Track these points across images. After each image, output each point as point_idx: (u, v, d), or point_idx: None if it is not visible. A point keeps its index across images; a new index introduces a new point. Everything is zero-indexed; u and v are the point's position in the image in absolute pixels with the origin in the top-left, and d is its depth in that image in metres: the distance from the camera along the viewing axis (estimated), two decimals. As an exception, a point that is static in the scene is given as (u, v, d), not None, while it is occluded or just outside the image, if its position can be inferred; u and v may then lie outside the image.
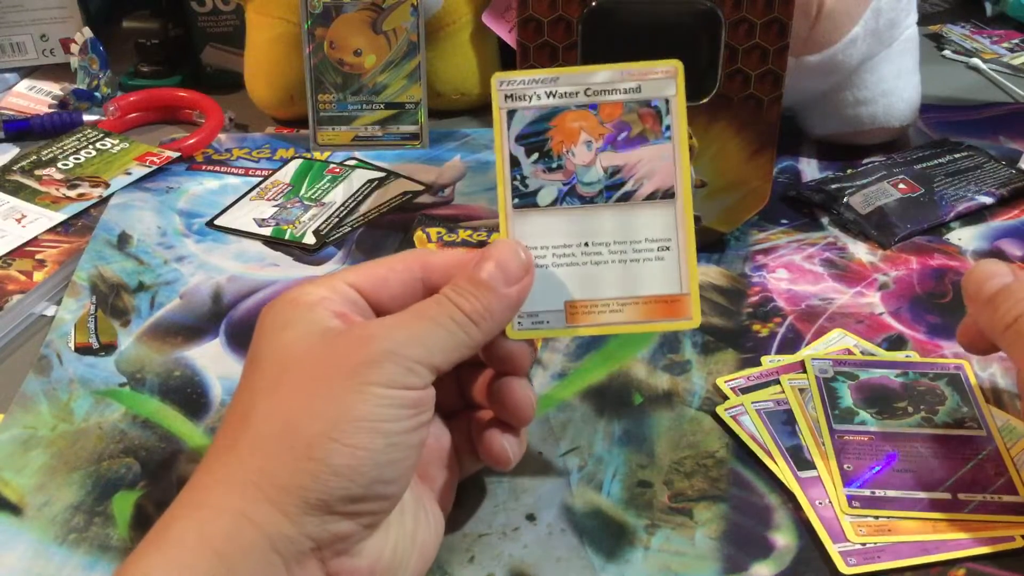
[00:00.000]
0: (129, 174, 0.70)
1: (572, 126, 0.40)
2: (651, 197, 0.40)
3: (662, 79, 0.41)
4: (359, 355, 0.35)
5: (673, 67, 0.41)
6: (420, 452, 0.37)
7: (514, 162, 0.40)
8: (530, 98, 0.40)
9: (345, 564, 0.35)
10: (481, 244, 0.59)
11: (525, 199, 0.40)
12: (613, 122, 0.40)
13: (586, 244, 0.40)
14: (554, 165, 0.40)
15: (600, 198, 0.40)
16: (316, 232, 0.63)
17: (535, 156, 0.40)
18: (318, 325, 0.37)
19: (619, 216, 0.40)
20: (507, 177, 0.40)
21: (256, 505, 0.33)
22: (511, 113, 0.40)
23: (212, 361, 0.52)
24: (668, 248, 0.40)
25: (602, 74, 0.40)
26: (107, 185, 0.69)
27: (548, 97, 0.40)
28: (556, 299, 0.40)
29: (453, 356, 0.37)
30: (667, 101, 0.41)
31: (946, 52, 0.88)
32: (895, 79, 0.68)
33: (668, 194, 0.40)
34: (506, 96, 0.40)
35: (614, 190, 0.40)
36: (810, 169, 0.69)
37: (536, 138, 0.40)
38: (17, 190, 0.69)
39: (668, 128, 0.41)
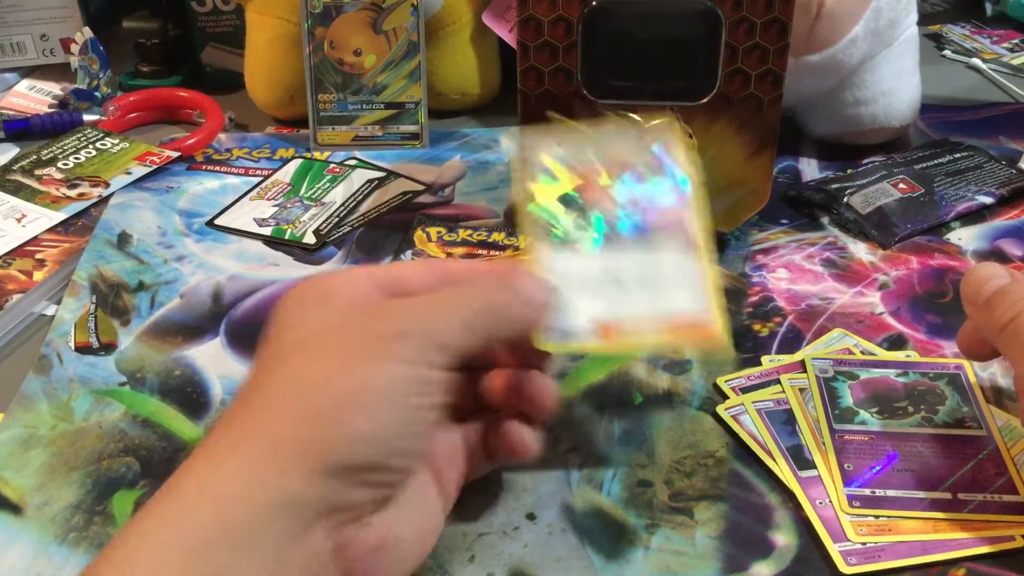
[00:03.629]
0: (129, 174, 0.70)
1: (588, 173, 0.43)
2: (669, 236, 0.42)
3: (660, 130, 0.45)
4: (384, 328, 0.36)
5: (666, 122, 0.46)
6: (432, 433, 0.37)
7: (538, 204, 0.43)
8: (547, 149, 0.44)
9: (354, 535, 0.35)
10: (481, 244, 0.59)
11: (552, 235, 0.42)
12: (625, 170, 0.43)
13: (613, 275, 0.41)
14: (576, 207, 0.43)
15: (622, 236, 0.42)
16: (316, 232, 0.63)
17: (558, 199, 0.43)
18: (340, 303, 0.37)
19: (642, 252, 0.42)
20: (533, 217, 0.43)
21: (272, 468, 0.33)
22: (532, 163, 0.43)
23: (212, 361, 0.52)
24: (691, 280, 0.42)
25: (607, 130, 0.45)
26: (107, 185, 0.69)
27: (562, 148, 0.44)
28: (587, 318, 0.40)
29: (472, 344, 0.37)
30: (668, 148, 0.44)
31: (946, 52, 0.88)
32: (895, 79, 0.68)
33: (684, 232, 0.43)
34: (526, 148, 0.44)
35: (634, 230, 0.42)
36: (810, 169, 0.69)
37: (556, 183, 0.43)
38: (17, 190, 0.69)
39: (674, 172, 0.44)
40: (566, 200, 0.43)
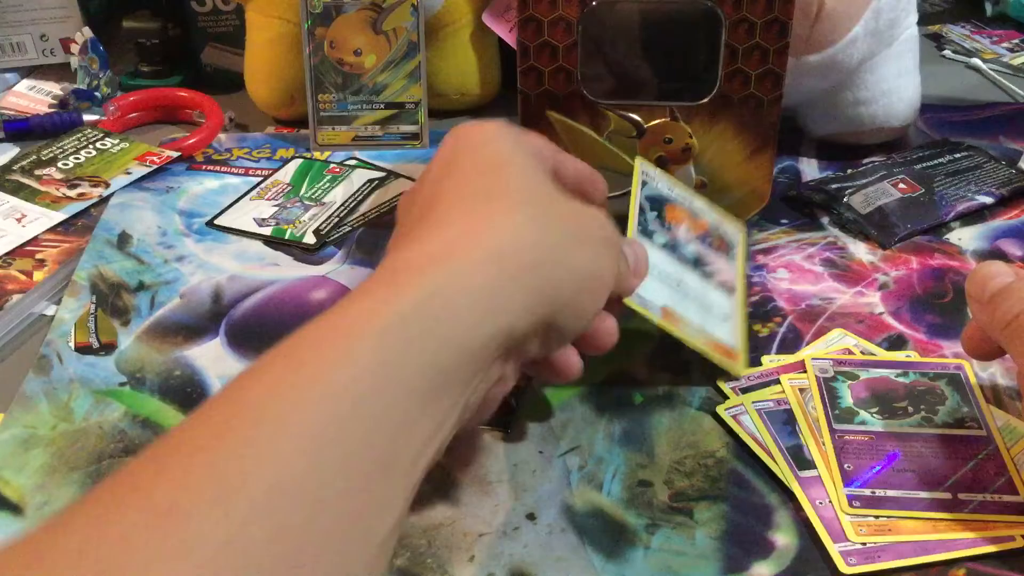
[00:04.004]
0: (129, 174, 0.70)
1: (680, 214, 0.53)
2: (719, 284, 0.52)
3: (733, 227, 0.56)
4: (600, 232, 0.41)
5: (740, 225, 0.56)
6: None
7: (641, 208, 0.51)
8: (658, 183, 0.53)
9: (507, 376, 0.39)
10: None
11: (643, 234, 0.50)
12: (703, 231, 0.53)
13: (678, 284, 0.50)
14: (664, 226, 0.52)
15: (689, 265, 0.51)
16: (316, 232, 0.63)
17: (655, 214, 0.52)
18: (535, 171, 0.41)
19: (700, 283, 0.51)
20: (636, 213, 0.51)
21: (501, 305, 0.35)
22: (644, 183, 0.52)
23: (212, 361, 0.52)
24: (729, 319, 0.51)
25: (699, 202, 0.55)
26: (107, 185, 0.69)
27: (669, 191, 0.54)
28: (659, 299, 0.48)
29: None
30: (734, 240, 0.55)
31: (946, 52, 0.88)
32: (895, 79, 0.68)
33: (730, 288, 0.52)
34: (644, 173, 0.53)
35: (699, 267, 0.52)
36: (810, 169, 0.69)
37: (656, 204, 0.52)
38: (17, 190, 0.69)
39: (733, 254, 0.54)
40: (655, 199, 0.52)
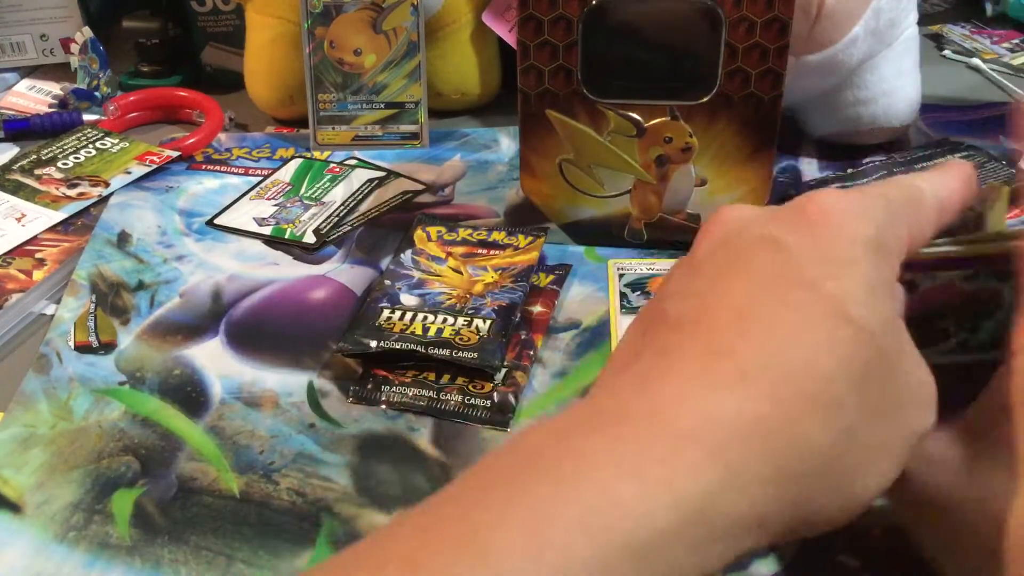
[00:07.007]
0: (129, 173, 0.70)
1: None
2: None
3: None
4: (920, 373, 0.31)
5: None
6: None
7: (623, 295, 0.56)
8: (635, 269, 0.58)
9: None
10: (481, 243, 0.59)
11: (630, 310, 0.54)
12: None
13: None
14: (651, 296, 0.52)
15: None
16: (316, 231, 0.63)
17: (637, 292, 0.56)
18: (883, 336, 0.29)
19: None
20: (617, 298, 0.55)
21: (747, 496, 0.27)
22: (621, 276, 0.57)
23: (212, 360, 0.52)
24: None
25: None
26: (107, 184, 0.69)
27: (648, 269, 0.58)
28: None
29: None
30: None
31: (946, 52, 0.88)
32: (895, 79, 0.68)
33: None
34: (618, 268, 0.58)
35: None
36: (810, 169, 0.69)
37: (638, 285, 0.56)
38: (17, 189, 0.69)
39: None
40: (635, 282, 0.56)
